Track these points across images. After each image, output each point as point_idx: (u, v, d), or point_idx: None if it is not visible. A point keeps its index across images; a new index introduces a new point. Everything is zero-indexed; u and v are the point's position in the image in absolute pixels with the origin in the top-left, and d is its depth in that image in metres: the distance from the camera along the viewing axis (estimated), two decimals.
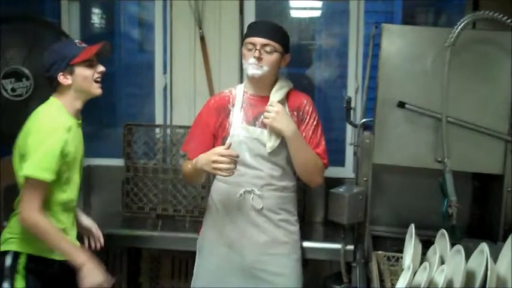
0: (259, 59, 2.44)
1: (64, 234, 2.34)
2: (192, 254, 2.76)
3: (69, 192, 2.41)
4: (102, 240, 2.67)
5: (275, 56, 2.47)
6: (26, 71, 3.15)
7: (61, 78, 2.34)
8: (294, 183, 2.65)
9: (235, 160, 2.32)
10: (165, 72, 3.58)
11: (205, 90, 3.46)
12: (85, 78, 2.36)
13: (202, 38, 3.44)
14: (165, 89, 3.59)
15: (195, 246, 2.75)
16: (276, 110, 2.43)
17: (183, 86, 3.51)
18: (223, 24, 3.44)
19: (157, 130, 3.50)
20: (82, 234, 2.64)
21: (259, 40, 2.45)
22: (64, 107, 2.38)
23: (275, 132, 2.46)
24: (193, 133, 2.67)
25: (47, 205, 2.31)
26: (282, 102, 2.52)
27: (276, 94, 2.53)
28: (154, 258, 3.43)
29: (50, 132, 2.26)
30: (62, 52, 2.35)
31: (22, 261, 2.33)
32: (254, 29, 2.52)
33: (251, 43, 2.47)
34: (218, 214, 2.62)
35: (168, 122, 3.58)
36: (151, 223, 3.31)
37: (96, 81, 2.41)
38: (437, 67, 2.58)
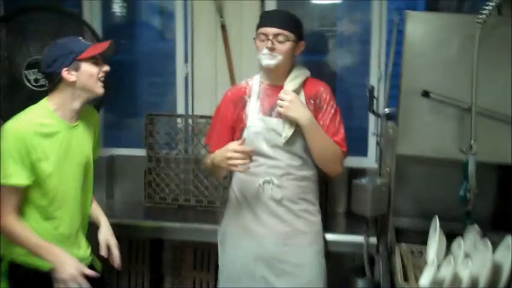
0: (271, 49, 2.43)
1: (31, 232, 2.20)
2: (215, 245, 2.76)
3: (55, 202, 2.27)
4: (117, 260, 2.45)
5: (288, 45, 2.45)
6: None
7: (65, 74, 2.22)
8: (314, 172, 2.62)
9: (250, 155, 2.33)
10: (186, 61, 3.56)
11: (226, 80, 3.44)
12: (90, 76, 2.27)
13: (223, 27, 3.42)
14: (186, 78, 3.57)
15: (217, 237, 2.75)
16: (289, 99, 2.41)
17: (205, 75, 3.50)
18: (244, 12, 3.40)
19: (179, 120, 3.49)
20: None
21: (271, 30, 2.43)
22: (53, 111, 2.26)
23: (290, 121, 2.44)
24: (213, 126, 2.69)
25: (23, 210, 2.24)
26: (297, 90, 2.50)
27: (291, 83, 2.51)
28: (176, 249, 3.44)
29: (15, 137, 2.15)
30: (67, 47, 2.25)
31: (4, 265, 2.28)
32: (266, 19, 2.50)
33: (263, 33, 2.45)
34: (238, 205, 2.62)
35: (190, 112, 3.56)
36: (174, 214, 3.32)
37: (100, 80, 2.32)
38: (463, 55, 2.52)
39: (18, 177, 2.16)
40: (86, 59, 2.25)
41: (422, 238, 2.51)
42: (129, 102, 3.91)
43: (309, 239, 2.58)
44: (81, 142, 2.39)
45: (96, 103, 3.31)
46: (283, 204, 2.53)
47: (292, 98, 2.42)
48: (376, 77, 3.36)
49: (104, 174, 3.53)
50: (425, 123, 2.65)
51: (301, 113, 2.42)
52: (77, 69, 2.24)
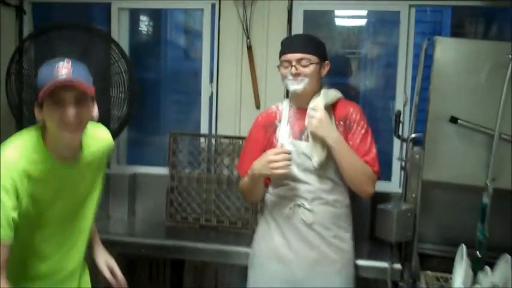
0: (296, 74, 2.42)
1: None
2: (236, 267, 2.74)
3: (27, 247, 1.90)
4: (124, 282, 2.18)
5: (312, 68, 2.44)
6: None
7: (35, 111, 1.81)
8: (347, 196, 2.56)
9: (290, 157, 2.32)
10: (211, 80, 3.57)
11: (251, 100, 3.44)
12: (51, 119, 1.78)
13: (249, 47, 3.43)
14: (211, 97, 3.59)
15: (238, 259, 2.73)
16: (319, 117, 2.39)
17: (229, 95, 3.50)
18: (271, 33, 3.41)
19: (202, 139, 3.50)
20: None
21: (293, 56, 2.43)
22: (42, 142, 1.85)
23: (319, 142, 2.42)
24: (244, 152, 2.68)
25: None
26: (327, 109, 2.46)
27: (319, 98, 2.47)
28: (197, 270, 3.42)
29: (4, 176, 1.74)
30: (41, 75, 1.79)
31: None
32: (287, 46, 2.50)
33: (286, 60, 2.45)
34: (269, 228, 2.58)
35: (213, 131, 3.57)
36: (195, 234, 3.29)
37: (67, 124, 1.77)
38: (492, 81, 2.50)
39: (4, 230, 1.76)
40: (47, 97, 1.76)
41: (447, 265, 2.47)
42: (154, 121, 3.93)
43: (339, 266, 2.52)
44: (81, 179, 1.99)
45: (121, 121, 3.34)
46: (314, 229, 2.49)
47: (321, 117, 2.39)
48: (402, 101, 3.34)
49: (126, 192, 3.54)
50: (452, 150, 2.62)
51: (329, 131, 2.39)
52: (42, 107, 1.80)
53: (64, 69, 1.75)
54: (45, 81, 1.74)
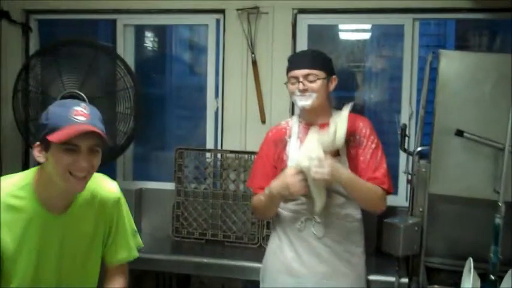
0: (304, 90, 2.42)
1: None
2: (241, 282, 2.73)
3: None
4: None
5: (319, 83, 2.44)
6: (83, 94, 3.20)
7: (35, 150, 1.72)
8: (359, 211, 2.55)
9: (306, 178, 2.31)
10: (216, 96, 3.58)
11: (256, 115, 3.45)
12: (57, 165, 1.69)
13: (254, 62, 3.44)
14: (216, 112, 3.60)
15: (244, 274, 2.72)
16: (327, 172, 2.27)
17: (234, 110, 3.51)
18: (275, 48, 3.43)
19: (207, 154, 3.50)
20: None
21: (300, 72, 2.43)
22: (34, 189, 1.76)
23: (321, 187, 2.36)
24: (256, 168, 2.67)
25: None
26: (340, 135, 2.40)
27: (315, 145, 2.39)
28: (203, 285, 3.42)
29: None
30: (49, 116, 1.70)
31: None
32: (293, 62, 2.51)
33: (293, 77, 2.46)
34: (280, 242, 2.58)
35: (219, 146, 3.58)
36: (201, 249, 3.30)
37: (74, 173, 1.70)
38: (498, 94, 2.50)
39: None
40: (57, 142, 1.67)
41: (454, 279, 2.46)
42: (159, 136, 3.94)
43: (350, 280, 2.51)
44: (70, 232, 1.85)
45: (127, 136, 3.35)
46: (325, 243, 2.48)
47: (329, 168, 2.28)
48: (408, 114, 3.34)
49: (132, 208, 3.50)
50: (459, 163, 2.61)
51: (340, 175, 2.34)
52: (46, 149, 1.71)
53: (83, 114, 1.69)
54: (60, 123, 1.66)
